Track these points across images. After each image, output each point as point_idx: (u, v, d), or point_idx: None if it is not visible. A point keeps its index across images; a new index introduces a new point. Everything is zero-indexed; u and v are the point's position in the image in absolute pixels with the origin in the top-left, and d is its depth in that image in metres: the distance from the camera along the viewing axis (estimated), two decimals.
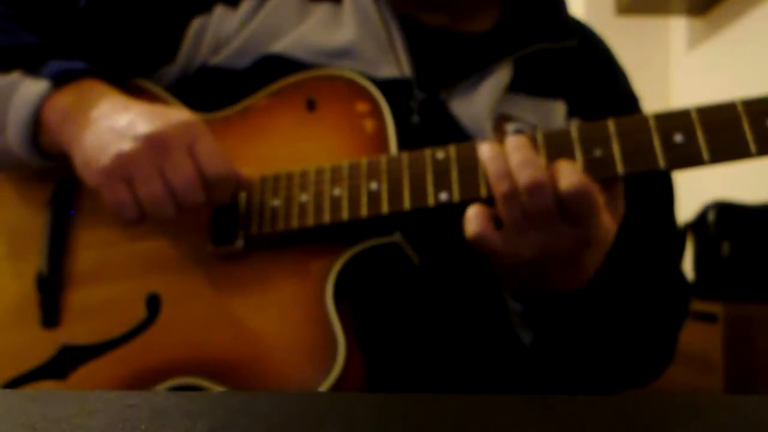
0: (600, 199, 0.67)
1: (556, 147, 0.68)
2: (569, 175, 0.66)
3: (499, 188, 0.67)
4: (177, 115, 0.73)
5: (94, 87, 0.77)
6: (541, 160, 0.68)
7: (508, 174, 0.67)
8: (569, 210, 0.66)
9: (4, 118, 0.78)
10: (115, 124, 0.72)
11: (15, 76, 0.78)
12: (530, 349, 0.77)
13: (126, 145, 0.70)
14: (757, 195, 1.92)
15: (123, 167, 0.70)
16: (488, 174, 0.68)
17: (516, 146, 0.68)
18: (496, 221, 0.68)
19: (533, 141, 0.69)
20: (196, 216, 0.76)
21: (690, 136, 0.65)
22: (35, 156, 0.79)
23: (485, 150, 0.69)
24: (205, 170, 0.71)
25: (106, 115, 0.74)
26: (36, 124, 0.77)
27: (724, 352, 1.70)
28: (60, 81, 0.76)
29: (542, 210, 0.66)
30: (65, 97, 0.76)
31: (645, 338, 0.84)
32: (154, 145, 0.70)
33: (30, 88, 0.77)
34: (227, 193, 0.74)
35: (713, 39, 2.59)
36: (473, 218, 0.68)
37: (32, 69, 0.78)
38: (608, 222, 0.69)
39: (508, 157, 0.67)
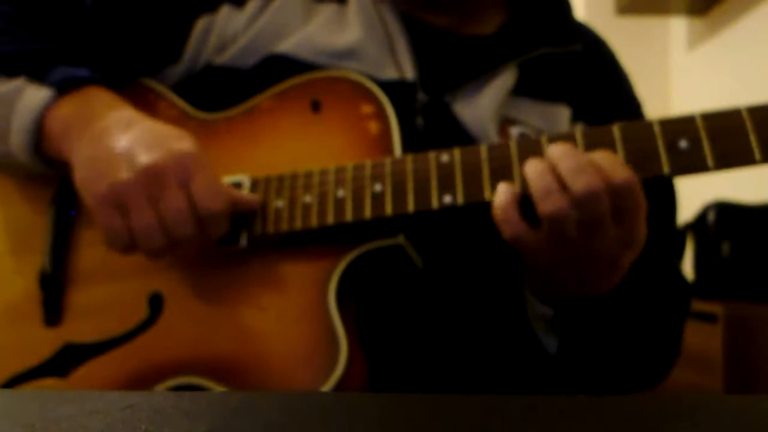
0: (644, 199, 0.66)
1: None
2: (619, 169, 0.65)
3: (545, 207, 0.65)
4: (177, 144, 0.71)
5: (97, 96, 0.77)
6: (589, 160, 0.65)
7: (554, 190, 0.65)
8: (618, 207, 0.65)
9: (7, 125, 0.77)
10: (115, 146, 0.72)
11: (19, 82, 0.77)
12: (555, 355, 0.77)
13: (123, 175, 0.70)
14: (757, 195, 1.92)
15: (118, 196, 0.70)
16: (533, 192, 0.66)
17: (564, 153, 0.66)
18: (531, 217, 0.67)
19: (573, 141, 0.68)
20: None
21: (695, 142, 0.66)
22: (38, 163, 0.79)
23: (530, 166, 0.67)
24: (198, 205, 0.70)
25: (107, 132, 0.73)
26: (39, 132, 0.77)
27: (724, 352, 1.70)
28: (63, 89, 0.76)
29: (597, 217, 0.65)
30: (68, 106, 0.76)
31: (653, 340, 0.84)
32: (150, 176, 0.69)
33: (33, 96, 0.76)
34: (221, 228, 0.72)
35: (713, 39, 2.59)
36: (505, 220, 0.67)
37: (36, 75, 0.77)
38: (644, 225, 0.68)
39: (556, 166, 0.66)
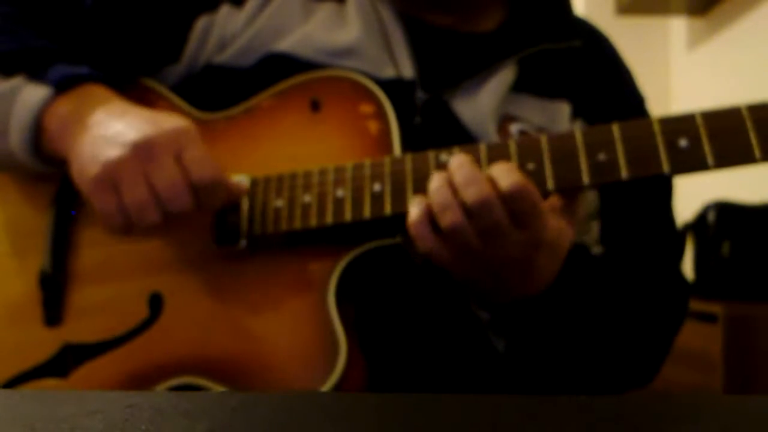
0: (541, 201, 0.67)
1: (560, 151, 0.68)
2: (507, 176, 0.66)
3: (444, 221, 0.66)
4: (169, 121, 0.72)
5: (95, 93, 0.77)
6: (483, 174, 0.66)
7: (450, 204, 0.65)
8: (514, 211, 0.66)
9: (5, 123, 0.77)
10: (108, 132, 0.72)
11: (17, 81, 0.77)
12: (505, 356, 0.78)
13: (113, 152, 0.70)
14: (757, 195, 1.92)
15: (109, 174, 0.70)
16: (433, 207, 0.66)
17: (457, 165, 0.67)
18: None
19: (475, 157, 0.69)
20: (199, 216, 0.75)
21: (695, 141, 0.65)
22: (37, 162, 0.79)
23: (433, 181, 0.67)
24: (191, 176, 0.70)
25: (102, 122, 0.73)
26: (37, 131, 0.76)
27: (724, 352, 1.70)
28: (62, 87, 0.76)
29: (494, 225, 0.65)
30: (66, 104, 0.76)
31: (642, 339, 0.83)
32: (141, 150, 0.69)
33: (32, 94, 0.76)
34: (216, 199, 0.72)
35: (713, 39, 2.59)
36: (417, 235, 0.67)
37: (35, 73, 0.77)
38: (559, 225, 0.69)
39: (452, 179, 0.66)
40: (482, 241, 0.66)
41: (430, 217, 0.67)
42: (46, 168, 0.80)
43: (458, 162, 0.67)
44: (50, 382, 0.77)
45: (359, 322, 0.73)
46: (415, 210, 0.67)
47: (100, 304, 0.79)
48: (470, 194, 0.65)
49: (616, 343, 0.81)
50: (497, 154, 0.70)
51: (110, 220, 0.71)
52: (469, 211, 0.65)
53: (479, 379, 0.79)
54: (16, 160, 0.79)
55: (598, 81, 0.90)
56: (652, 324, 0.84)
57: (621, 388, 0.85)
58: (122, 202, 0.70)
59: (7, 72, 0.78)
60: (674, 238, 0.91)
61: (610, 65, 0.94)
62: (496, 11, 0.90)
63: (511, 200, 0.65)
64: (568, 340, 0.77)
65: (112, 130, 0.72)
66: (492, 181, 0.65)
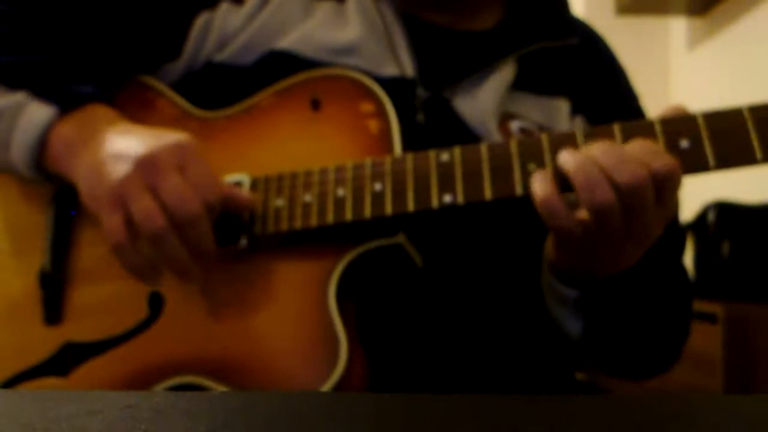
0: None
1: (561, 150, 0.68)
2: (658, 157, 0.65)
3: (595, 198, 0.64)
4: (171, 136, 0.71)
5: (99, 114, 0.77)
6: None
7: (600, 181, 0.64)
8: (660, 191, 0.65)
9: (8, 138, 0.78)
10: (111, 150, 0.72)
11: (20, 97, 0.77)
12: (581, 339, 0.77)
13: (118, 170, 0.70)
14: (757, 195, 1.92)
15: (116, 191, 0.69)
16: (576, 184, 0.65)
17: (606, 145, 0.65)
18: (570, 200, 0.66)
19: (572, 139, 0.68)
20: None
21: (696, 142, 0.65)
22: (39, 178, 0.79)
23: (570, 158, 0.65)
24: (199, 194, 0.69)
25: (105, 142, 0.73)
26: (41, 149, 0.77)
27: (724, 352, 1.70)
28: (66, 107, 0.76)
29: (642, 204, 0.64)
30: (71, 125, 0.76)
31: (669, 320, 0.84)
32: (145, 164, 0.69)
33: (37, 113, 0.76)
34: (215, 215, 0.72)
35: (713, 39, 2.59)
36: (552, 213, 0.66)
37: (40, 90, 0.77)
38: None
39: (598, 159, 0.65)
40: (625, 218, 0.65)
41: (560, 192, 0.66)
42: (49, 182, 0.80)
43: (604, 142, 0.66)
44: (50, 381, 0.77)
45: (360, 321, 0.73)
46: (544, 185, 0.66)
47: (100, 303, 0.79)
48: (623, 174, 0.64)
49: (647, 327, 0.81)
50: (498, 154, 0.70)
51: (116, 236, 0.70)
52: (621, 190, 0.64)
53: (481, 378, 0.79)
54: (16, 171, 0.80)
55: (596, 78, 0.91)
56: (672, 304, 0.84)
57: (647, 372, 0.86)
58: (128, 213, 0.69)
59: (9, 84, 0.78)
60: (678, 232, 0.90)
61: (606, 63, 0.95)
62: (493, 10, 0.90)
63: (662, 180, 0.64)
64: (630, 319, 0.78)
65: (115, 148, 0.72)
66: (642, 162, 0.64)
